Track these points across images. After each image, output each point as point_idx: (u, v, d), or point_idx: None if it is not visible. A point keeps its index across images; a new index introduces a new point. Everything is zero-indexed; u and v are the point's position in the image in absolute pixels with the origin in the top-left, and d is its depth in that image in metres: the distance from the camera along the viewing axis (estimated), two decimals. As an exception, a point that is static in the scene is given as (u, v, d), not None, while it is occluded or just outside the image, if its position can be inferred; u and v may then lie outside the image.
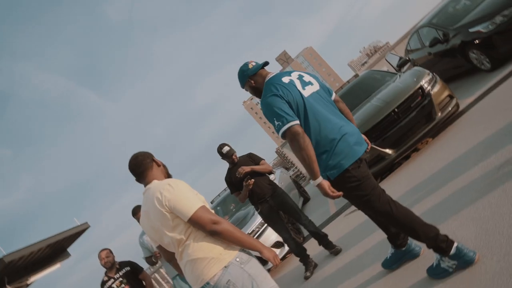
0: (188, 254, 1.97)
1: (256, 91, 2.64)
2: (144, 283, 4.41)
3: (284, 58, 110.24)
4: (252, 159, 4.74)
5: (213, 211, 2.02)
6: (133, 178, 2.23)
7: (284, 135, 2.27)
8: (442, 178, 3.61)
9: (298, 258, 4.45)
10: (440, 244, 2.19)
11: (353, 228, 4.52)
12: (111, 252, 4.37)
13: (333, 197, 2.27)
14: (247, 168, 4.44)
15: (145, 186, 2.17)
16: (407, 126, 5.17)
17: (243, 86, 2.70)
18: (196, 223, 1.93)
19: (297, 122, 2.26)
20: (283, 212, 4.59)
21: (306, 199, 9.61)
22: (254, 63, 2.65)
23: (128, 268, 4.37)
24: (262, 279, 1.95)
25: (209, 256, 1.93)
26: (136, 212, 4.25)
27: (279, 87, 2.39)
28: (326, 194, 2.26)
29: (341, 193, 2.28)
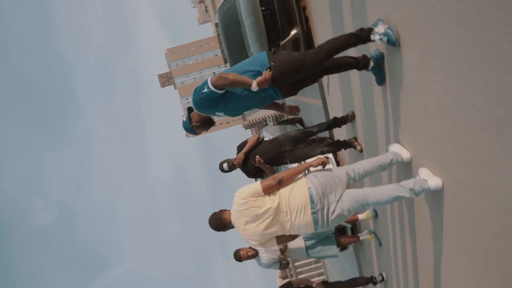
0: (287, 200, 2.73)
1: (202, 123, 3.27)
2: None
3: (164, 79, 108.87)
4: (243, 148, 5.09)
5: None
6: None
7: (214, 86, 2.90)
8: (342, 3, 4.08)
9: (343, 148, 4.92)
10: (364, 30, 2.88)
11: (339, 91, 5.02)
12: None
13: (269, 75, 2.85)
14: (240, 156, 4.63)
15: (229, 226, 2.92)
16: (283, 6, 5.63)
17: (195, 132, 3.31)
18: (268, 189, 2.73)
19: None
20: (300, 143, 5.01)
21: (300, 121, 10.09)
22: (184, 116, 3.29)
23: None
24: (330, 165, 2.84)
25: (294, 183, 2.80)
26: (239, 255, 4.54)
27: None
28: (265, 78, 2.84)
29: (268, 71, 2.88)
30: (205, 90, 2.91)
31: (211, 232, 3.07)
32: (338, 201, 2.72)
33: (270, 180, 2.75)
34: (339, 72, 3.35)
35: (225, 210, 2.98)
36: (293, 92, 3.23)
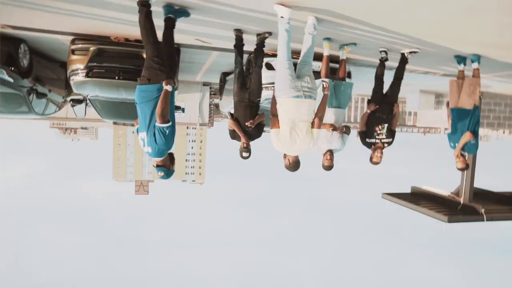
0: (289, 113, 3.68)
1: (171, 161, 3.82)
2: None
3: (141, 189, 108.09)
4: (236, 133, 5.52)
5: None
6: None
7: (166, 122, 3.44)
8: None
9: (263, 47, 5.40)
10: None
11: (208, 36, 5.45)
12: None
13: (167, 80, 3.57)
14: (244, 139, 5.17)
15: (297, 160, 3.88)
16: (121, 60, 6.13)
17: (173, 171, 3.86)
18: (275, 123, 3.81)
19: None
20: (246, 84, 5.40)
21: (227, 74, 10.36)
22: (160, 173, 3.77)
23: None
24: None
25: (279, 108, 3.77)
26: (326, 165, 5.01)
27: None
28: (167, 82, 3.49)
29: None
30: (167, 130, 3.46)
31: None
32: (300, 78, 3.66)
33: (271, 120, 3.73)
34: (171, 36, 4.05)
35: (284, 158, 3.89)
36: (174, 73, 3.96)
